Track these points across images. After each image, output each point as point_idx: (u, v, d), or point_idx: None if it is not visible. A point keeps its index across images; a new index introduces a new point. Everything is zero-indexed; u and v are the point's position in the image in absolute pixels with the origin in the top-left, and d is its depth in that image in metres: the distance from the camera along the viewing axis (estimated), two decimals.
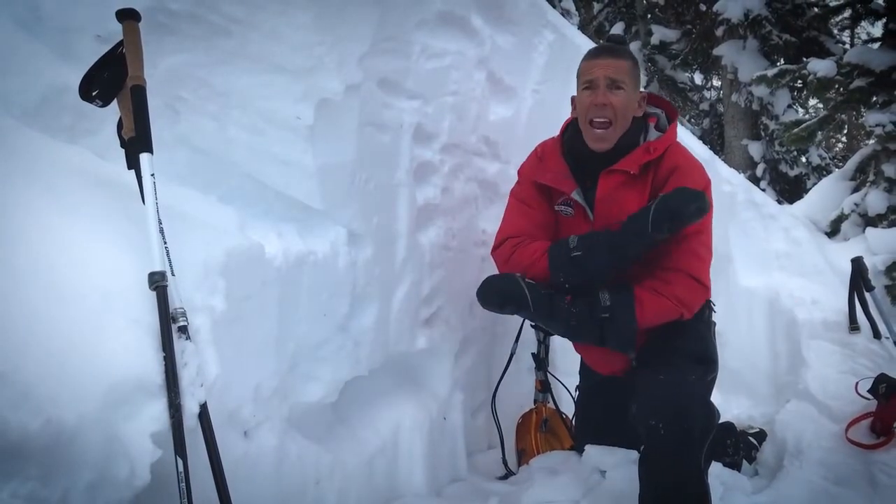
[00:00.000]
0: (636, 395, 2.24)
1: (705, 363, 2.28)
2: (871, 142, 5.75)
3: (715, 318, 2.43)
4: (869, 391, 2.91)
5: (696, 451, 2.10)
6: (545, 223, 2.37)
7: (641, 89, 2.35)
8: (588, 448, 2.50)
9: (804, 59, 6.72)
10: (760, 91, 8.69)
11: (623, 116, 2.22)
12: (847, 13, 6.94)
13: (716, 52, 9.59)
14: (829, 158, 10.72)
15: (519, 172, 2.50)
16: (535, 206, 2.38)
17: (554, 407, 3.06)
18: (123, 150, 1.71)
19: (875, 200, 5.06)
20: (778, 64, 8.78)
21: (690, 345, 2.27)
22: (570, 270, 2.17)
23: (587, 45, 3.72)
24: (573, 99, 2.37)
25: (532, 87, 3.19)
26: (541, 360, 3.08)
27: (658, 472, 2.07)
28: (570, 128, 2.39)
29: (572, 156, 2.34)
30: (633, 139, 2.25)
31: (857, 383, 3.02)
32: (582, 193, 2.29)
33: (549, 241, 2.31)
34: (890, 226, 4.91)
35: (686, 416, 2.09)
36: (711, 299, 2.39)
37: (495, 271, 2.40)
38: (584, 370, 2.67)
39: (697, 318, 2.34)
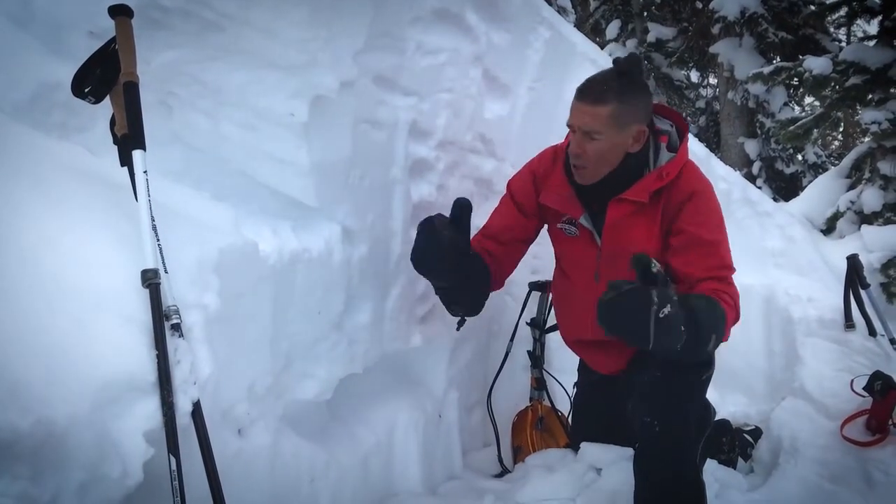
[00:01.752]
0: (632, 392, 2.25)
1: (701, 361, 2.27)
2: (867, 139, 5.75)
3: None
4: (864, 388, 2.92)
5: (692, 448, 2.10)
6: (518, 235, 2.41)
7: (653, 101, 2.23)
8: (584, 445, 2.50)
9: (800, 57, 6.72)
10: (756, 89, 8.71)
11: (599, 162, 2.11)
12: (843, 11, 6.93)
13: (712, 49, 9.60)
14: (825, 156, 10.76)
15: (509, 185, 2.46)
16: (514, 216, 2.40)
17: (549, 404, 3.06)
18: (116, 147, 1.69)
19: (870, 198, 5.07)
20: (774, 62, 8.81)
21: None
22: None
23: (583, 42, 3.72)
24: None
25: (528, 85, 3.17)
26: (536, 358, 3.08)
27: (653, 470, 2.08)
28: None
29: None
30: (641, 162, 2.15)
31: (852, 381, 3.03)
32: (590, 218, 2.23)
33: (513, 244, 2.41)
34: (885, 223, 4.92)
35: (682, 414, 2.10)
36: None
37: None
38: (583, 368, 2.67)
39: None
